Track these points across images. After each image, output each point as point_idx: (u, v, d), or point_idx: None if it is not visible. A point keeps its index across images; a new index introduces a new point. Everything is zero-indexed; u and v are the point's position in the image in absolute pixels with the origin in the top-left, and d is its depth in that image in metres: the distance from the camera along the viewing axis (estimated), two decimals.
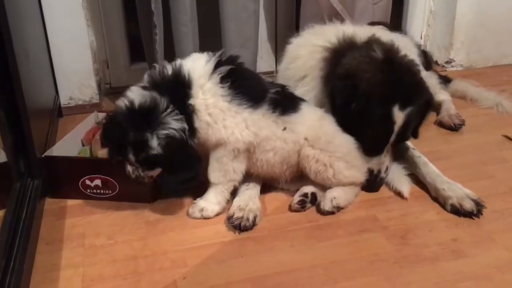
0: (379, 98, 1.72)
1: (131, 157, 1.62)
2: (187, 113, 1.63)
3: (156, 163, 1.63)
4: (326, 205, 1.73)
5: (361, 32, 1.96)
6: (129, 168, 1.67)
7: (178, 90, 1.64)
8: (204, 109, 1.65)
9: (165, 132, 1.57)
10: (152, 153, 1.57)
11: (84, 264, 1.53)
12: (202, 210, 1.73)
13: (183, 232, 1.68)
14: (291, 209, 1.77)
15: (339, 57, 1.85)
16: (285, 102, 1.75)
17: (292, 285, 1.43)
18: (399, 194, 1.85)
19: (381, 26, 2.38)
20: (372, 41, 1.88)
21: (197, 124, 1.65)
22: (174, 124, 1.58)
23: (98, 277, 1.47)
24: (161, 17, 2.30)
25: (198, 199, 1.77)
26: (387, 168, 1.84)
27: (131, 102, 1.61)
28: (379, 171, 1.83)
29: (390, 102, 1.72)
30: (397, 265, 1.50)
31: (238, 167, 1.75)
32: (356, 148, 1.79)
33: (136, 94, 1.63)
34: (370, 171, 1.83)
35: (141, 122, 1.58)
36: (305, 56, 2.00)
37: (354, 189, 1.81)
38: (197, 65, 1.68)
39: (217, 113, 1.65)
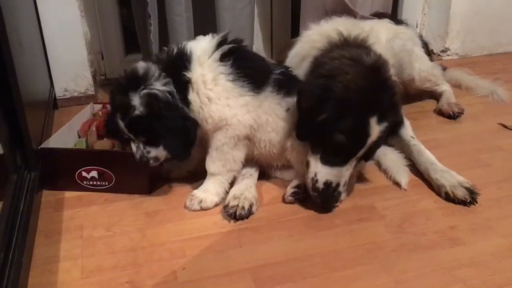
0: (357, 105, 1.56)
1: (120, 123, 1.64)
2: (181, 82, 1.66)
3: (147, 129, 1.63)
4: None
5: (367, 26, 1.95)
6: (133, 147, 1.69)
7: (176, 63, 1.68)
8: (201, 83, 1.67)
9: (146, 91, 1.60)
10: (135, 113, 1.60)
11: (82, 256, 1.53)
12: (201, 201, 1.73)
13: (182, 223, 1.68)
14: (284, 201, 1.77)
15: (328, 52, 1.81)
16: (290, 84, 1.76)
17: (290, 274, 1.43)
18: (396, 183, 1.85)
19: (387, 20, 2.39)
20: (364, 43, 1.84)
21: (192, 96, 1.67)
22: (157, 85, 1.62)
23: (97, 269, 1.47)
24: (155, 7, 2.29)
25: (195, 190, 1.77)
26: (345, 183, 1.68)
27: (126, 71, 1.68)
28: (337, 184, 1.66)
29: (368, 113, 1.56)
30: (394, 254, 1.51)
31: (238, 156, 1.75)
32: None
33: (134, 65, 1.69)
34: (328, 183, 1.65)
35: (127, 86, 1.63)
36: (313, 42, 2.00)
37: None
38: (200, 44, 1.72)
39: (220, 90, 1.67)
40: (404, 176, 1.86)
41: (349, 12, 2.48)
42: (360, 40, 1.86)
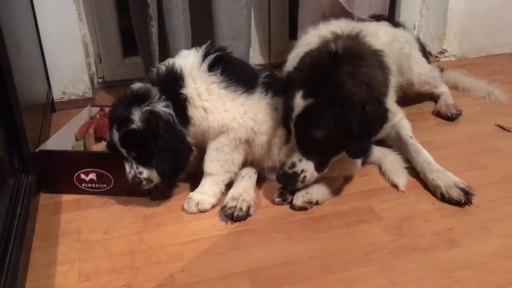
0: (292, 82, 1.66)
1: (115, 134, 1.66)
2: (180, 101, 1.70)
3: (139, 145, 1.65)
4: (298, 200, 1.72)
5: (365, 29, 1.95)
6: (127, 166, 1.71)
7: (171, 84, 1.72)
8: (197, 96, 1.71)
9: (149, 108, 1.65)
10: (132, 127, 1.63)
11: (80, 259, 1.52)
12: (198, 203, 1.73)
13: (179, 225, 1.68)
14: (274, 203, 1.77)
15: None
16: (275, 85, 1.82)
17: (289, 276, 1.43)
18: (394, 185, 1.85)
19: (386, 23, 2.40)
20: (357, 36, 1.82)
21: (192, 112, 1.71)
22: (159, 106, 1.66)
23: (94, 272, 1.47)
24: (156, 10, 2.29)
25: (191, 193, 1.77)
26: (293, 165, 1.66)
27: (130, 89, 1.72)
28: (283, 164, 1.68)
29: (296, 88, 1.61)
30: (392, 255, 1.51)
31: (237, 159, 1.78)
32: None
33: (134, 85, 1.74)
34: (281, 163, 1.69)
35: (131, 101, 1.68)
36: (311, 45, 2.00)
37: (330, 183, 1.79)
38: (187, 60, 1.77)
39: (215, 99, 1.72)
40: (402, 178, 1.86)
41: (347, 14, 2.48)
42: (354, 34, 1.83)
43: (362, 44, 1.75)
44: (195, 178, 1.85)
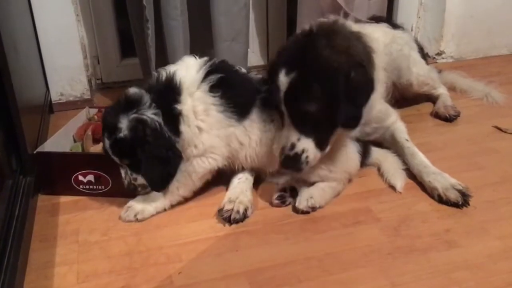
0: (275, 63, 1.67)
1: (106, 142, 1.65)
2: (173, 115, 1.67)
3: (129, 153, 1.64)
4: (301, 204, 1.71)
5: (364, 31, 1.95)
6: (122, 172, 1.71)
7: (167, 95, 1.69)
8: (192, 114, 1.68)
9: (136, 116, 1.62)
10: (119, 135, 1.61)
11: (78, 261, 1.52)
12: (138, 213, 1.69)
13: (178, 227, 1.68)
14: (272, 205, 1.77)
15: None
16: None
17: (287, 278, 1.43)
18: (392, 186, 1.86)
19: (385, 24, 2.40)
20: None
21: (184, 128, 1.68)
22: (148, 113, 1.64)
23: (93, 273, 1.47)
24: (152, 12, 2.29)
25: (131, 202, 1.73)
26: (292, 146, 1.65)
27: (124, 94, 1.69)
28: (283, 148, 1.67)
29: (279, 67, 1.63)
30: (390, 256, 1.51)
31: (197, 187, 1.77)
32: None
33: (129, 90, 1.70)
34: (280, 148, 1.69)
35: (120, 108, 1.65)
36: None
37: (333, 188, 1.79)
38: (189, 73, 1.73)
39: (212, 121, 1.70)
40: (400, 179, 1.86)
41: (345, 16, 2.48)
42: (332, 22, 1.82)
43: (338, 25, 1.75)
44: None
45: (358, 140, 1.86)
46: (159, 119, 1.64)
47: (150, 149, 1.63)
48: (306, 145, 1.64)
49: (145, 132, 1.62)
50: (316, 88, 1.58)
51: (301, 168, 1.67)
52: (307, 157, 1.65)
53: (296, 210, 1.72)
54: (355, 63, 1.61)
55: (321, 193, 1.75)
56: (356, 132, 1.77)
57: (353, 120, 1.66)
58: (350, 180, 1.88)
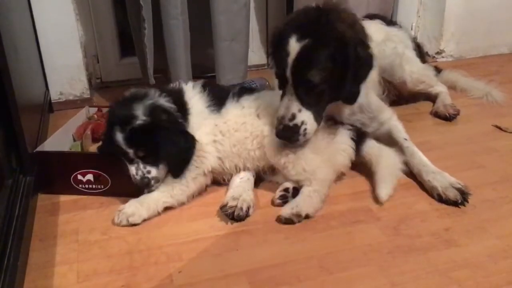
0: (283, 30, 1.68)
1: (119, 136, 1.64)
2: (181, 104, 1.77)
3: (147, 141, 1.65)
4: (285, 212, 1.66)
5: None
6: (132, 169, 1.70)
7: (174, 90, 1.84)
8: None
9: (152, 101, 1.69)
10: (137, 123, 1.63)
11: (78, 260, 1.52)
12: (129, 216, 1.67)
13: (178, 226, 1.68)
14: (273, 204, 1.77)
15: None
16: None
17: (287, 277, 1.43)
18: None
19: (379, 21, 2.40)
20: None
21: (190, 118, 1.78)
22: (161, 100, 1.71)
23: (93, 273, 1.47)
24: (150, 11, 2.29)
25: (122, 206, 1.70)
26: (293, 116, 1.66)
27: (125, 93, 1.77)
28: (283, 117, 1.67)
29: (289, 34, 1.63)
30: (390, 255, 1.51)
31: (191, 189, 1.77)
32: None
33: (131, 90, 1.78)
34: (280, 117, 1.68)
35: (131, 100, 1.71)
36: None
37: (318, 191, 1.72)
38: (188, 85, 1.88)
39: (200, 115, 1.80)
40: (385, 187, 1.76)
41: None
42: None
43: (340, 6, 1.78)
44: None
45: (352, 126, 1.87)
46: (172, 105, 1.71)
47: (168, 134, 1.66)
48: (306, 117, 1.66)
49: (162, 117, 1.67)
50: (327, 57, 1.61)
51: (298, 139, 1.69)
52: (305, 129, 1.66)
53: (279, 219, 1.67)
54: (361, 40, 1.66)
55: (307, 200, 1.70)
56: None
57: (353, 95, 1.70)
58: (343, 176, 1.88)
